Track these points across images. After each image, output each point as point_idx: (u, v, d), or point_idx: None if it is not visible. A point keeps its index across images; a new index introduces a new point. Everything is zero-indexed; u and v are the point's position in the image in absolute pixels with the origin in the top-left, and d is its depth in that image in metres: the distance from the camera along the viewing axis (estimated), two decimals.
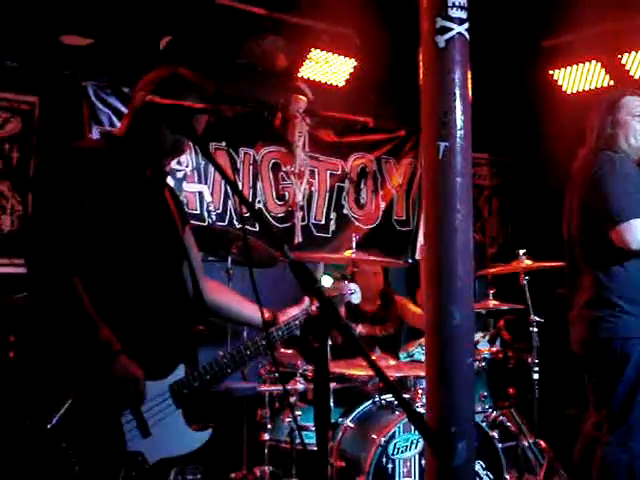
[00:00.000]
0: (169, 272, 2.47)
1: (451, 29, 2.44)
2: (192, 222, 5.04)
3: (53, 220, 2.19)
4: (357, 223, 5.89)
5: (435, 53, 2.46)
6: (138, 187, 2.40)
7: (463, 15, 2.46)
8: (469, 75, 2.47)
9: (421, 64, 2.51)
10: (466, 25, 2.46)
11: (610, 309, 3.37)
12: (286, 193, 5.51)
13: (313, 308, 2.52)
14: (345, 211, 5.85)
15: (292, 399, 3.99)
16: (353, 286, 2.72)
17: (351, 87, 5.76)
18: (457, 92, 2.44)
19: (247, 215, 5.28)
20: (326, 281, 2.73)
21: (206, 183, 5.19)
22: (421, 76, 2.51)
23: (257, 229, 5.30)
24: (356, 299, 2.72)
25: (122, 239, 2.32)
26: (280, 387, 4.02)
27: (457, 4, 2.45)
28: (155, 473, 2.33)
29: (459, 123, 2.43)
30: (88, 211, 2.22)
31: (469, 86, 2.47)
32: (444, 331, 2.37)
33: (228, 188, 5.26)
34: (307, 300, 2.65)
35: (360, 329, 4.81)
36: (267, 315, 2.62)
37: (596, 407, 3.50)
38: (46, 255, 2.16)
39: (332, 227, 5.76)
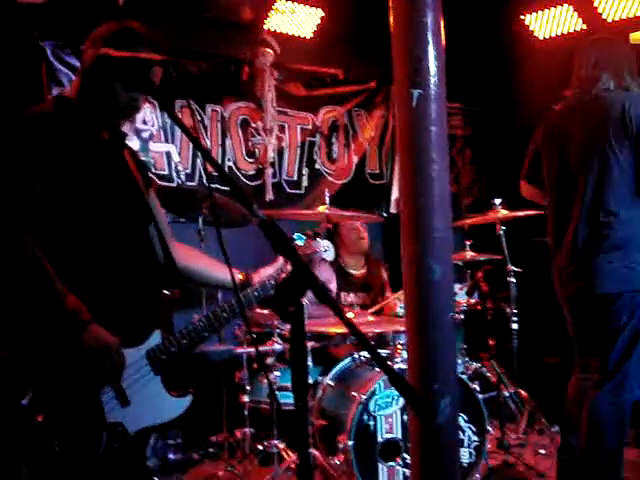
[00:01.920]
0: (136, 236, 2.37)
1: None
2: (160, 183, 4.98)
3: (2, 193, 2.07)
4: (330, 178, 5.78)
5: None
6: (95, 150, 2.27)
7: None
8: (441, 19, 2.37)
9: (391, 9, 2.40)
10: None
11: (626, 258, 3.24)
12: (256, 150, 5.38)
13: (288, 267, 2.44)
14: (317, 166, 5.74)
15: (270, 360, 3.94)
16: (326, 243, 2.63)
17: (319, 38, 5.61)
18: (430, 37, 2.34)
19: (215, 174, 5.18)
20: (299, 239, 2.62)
21: (173, 142, 5.04)
22: (392, 22, 2.40)
23: (227, 188, 5.19)
24: (329, 256, 2.64)
25: (84, 206, 2.20)
26: (261, 348, 3.96)
27: None
28: (137, 443, 2.27)
29: (433, 69, 2.33)
30: (44, 184, 2.09)
31: (442, 30, 2.37)
32: (423, 286, 2.30)
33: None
34: (282, 259, 2.56)
35: (352, 299, 4.73)
36: (240, 276, 2.54)
37: (586, 357, 3.44)
38: None
39: (304, 183, 5.65)
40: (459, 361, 4.17)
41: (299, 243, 2.63)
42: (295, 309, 1.51)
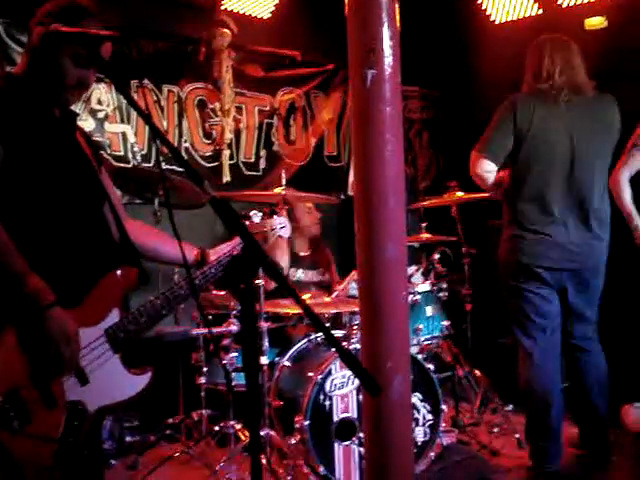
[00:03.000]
0: (90, 214, 2.35)
1: None
2: (116, 164, 4.93)
3: None
4: (288, 160, 5.78)
5: None
6: (47, 127, 2.24)
7: None
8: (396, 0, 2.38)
9: None
10: None
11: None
12: (213, 131, 5.35)
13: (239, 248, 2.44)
14: (275, 148, 5.73)
15: (227, 341, 3.94)
16: (282, 220, 2.63)
17: (277, 20, 5.59)
18: (384, 17, 2.35)
19: (169, 155, 5.13)
20: (255, 216, 2.62)
21: (129, 123, 4.98)
22: (346, 1, 2.40)
23: (183, 169, 5.15)
24: (286, 233, 2.64)
25: (37, 183, 2.18)
26: (214, 329, 3.95)
27: None
28: (97, 421, 2.26)
29: (387, 50, 2.34)
30: None
31: (396, 11, 2.38)
32: (377, 264, 2.32)
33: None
34: (239, 237, 2.56)
35: (300, 275, 4.75)
36: (195, 253, 2.53)
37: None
38: None
39: (262, 165, 5.63)
40: (414, 341, 4.22)
41: (255, 220, 2.62)
42: (246, 287, 1.51)
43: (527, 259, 3.68)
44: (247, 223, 2.63)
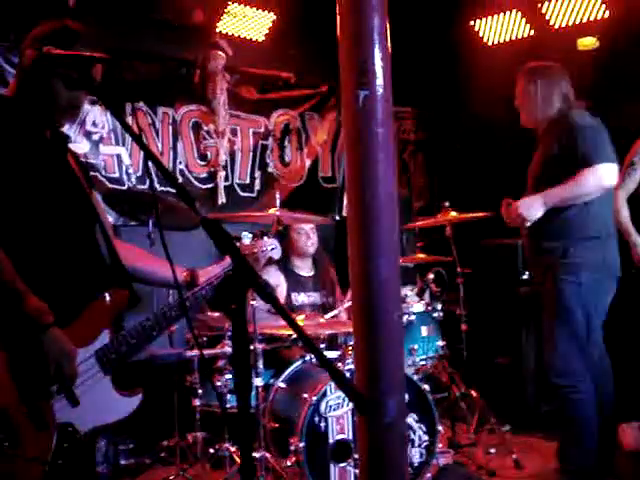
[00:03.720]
0: (81, 237, 2.35)
1: None
2: (111, 186, 4.93)
3: None
4: (282, 182, 5.79)
5: None
6: (38, 150, 2.25)
7: None
8: (387, 21, 2.39)
9: (338, 9, 2.42)
10: None
11: None
12: (208, 153, 5.36)
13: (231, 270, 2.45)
14: (270, 169, 5.74)
15: (221, 362, 3.92)
16: (273, 241, 2.64)
17: (271, 42, 5.63)
18: (376, 38, 2.35)
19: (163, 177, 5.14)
20: (245, 238, 2.62)
21: (124, 145, 4.99)
22: (338, 23, 2.41)
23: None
24: (276, 255, 2.65)
25: (28, 205, 2.18)
26: (209, 351, 3.94)
27: None
28: (88, 443, 2.25)
29: (379, 70, 2.35)
30: None
31: (388, 32, 2.39)
32: (370, 285, 2.31)
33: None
34: (229, 258, 2.55)
35: (302, 298, 4.73)
36: (184, 274, 2.53)
37: None
38: None
39: (257, 186, 5.64)
40: (410, 362, 4.20)
41: (246, 242, 2.62)
42: (237, 308, 1.51)
43: None
44: (238, 245, 2.63)
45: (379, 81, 2.35)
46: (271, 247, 2.65)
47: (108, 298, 2.29)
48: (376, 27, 2.36)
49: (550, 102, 3.76)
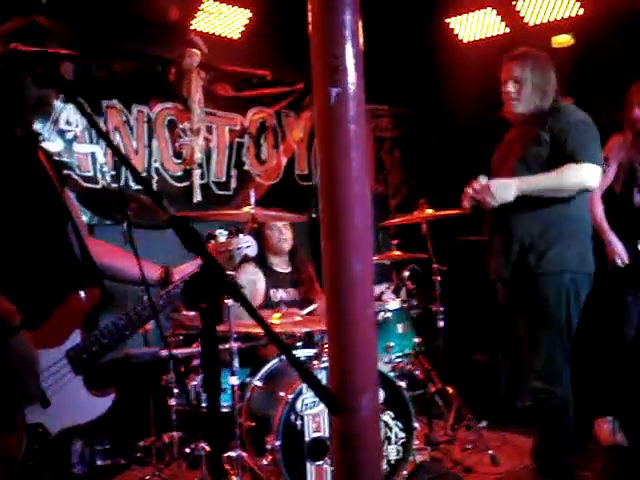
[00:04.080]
0: (53, 236, 2.33)
1: None
2: (85, 185, 4.89)
3: None
4: (259, 179, 5.77)
5: None
6: (8, 147, 2.23)
7: None
8: (359, 18, 2.38)
9: (309, 6, 2.41)
10: None
11: None
12: (183, 151, 5.33)
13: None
14: (246, 167, 5.72)
15: (197, 362, 3.90)
16: (248, 239, 2.62)
17: (247, 39, 5.61)
18: (348, 35, 2.35)
19: (142, 175, 5.11)
20: (220, 235, 2.61)
21: (98, 143, 4.94)
22: (310, 20, 2.41)
23: (154, 189, 5.14)
24: (252, 252, 2.63)
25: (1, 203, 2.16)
26: (184, 350, 3.92)
27: None
28: (59, 444, 2.23)
29: (351, 68, 2.34)
30: None
31: (360, 29, 2.38)
32: (343, 282, 2.31)
33: (121, 147, 5.05)
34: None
35: (281, 294, 4.72)
36: (159, 272, 2.50)
37: None
38: None
39: (233, 184, 5.62)
40: (386, 359, 4.21)
41: (221, 239, 2.61)
42: (206, 307, 1.49)
43: None
44: (213, 242, 2.62)
45: (351, 78, 2.35)
46: (246, 244, 2.64)
47: (80, 297, 2.27)
48: (348, 24, 2.35)
49: (546, 92, 3.60)
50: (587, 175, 3.45)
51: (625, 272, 4.32)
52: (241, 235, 2.64)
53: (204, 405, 3.95)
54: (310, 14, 2.41)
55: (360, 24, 2.39)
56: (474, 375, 5.43)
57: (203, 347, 1.53)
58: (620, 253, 4.30)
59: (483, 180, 3.52)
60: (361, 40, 2.38)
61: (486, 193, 3.48)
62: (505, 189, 3.46)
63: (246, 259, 2.71)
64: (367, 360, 2.35)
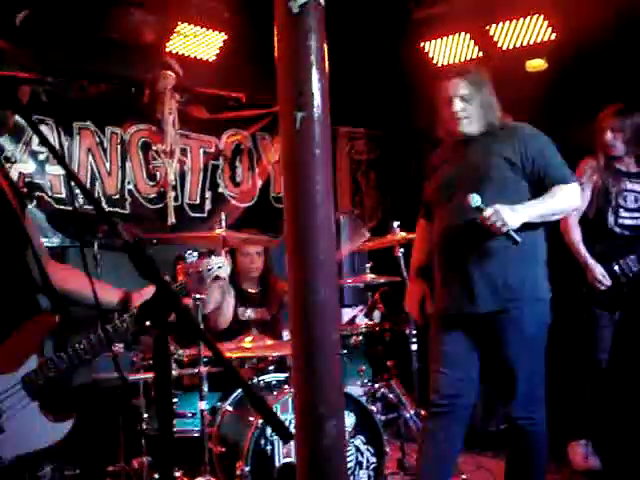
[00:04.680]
0: (11, 261, 2.30)
1: None
2: (57, 207, 4.85)
3: None
4: (234, 202, 5.77)
5: (289, 19, 2.37)
6: None
7: None
8: (325, 43, 2.39)
9: (275, 31, 2.41)
10: None
11: None
12: (157, 173, 5.32)
13: (183, 282, 2.42)
14: (221, 190, 5.71)
15: None
16: (220, 259, 2.61)
17: (223, 62, 5.61)
18: (313, 60, 2.35)
19: (115, 197, 5.09)
20: (192, 256, 2.60)
21: (71, 165, 4.92)
22: (276, 44, 2.41)
23: (128, 211, 5.12)
24: (224, 273, 2.62)
25: None
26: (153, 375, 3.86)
27: None
28: (14, 472, 2.18)
29: (316, 92, 2.35)
30: None
31: (325, 54, 2.39)
32: (307, 307, 2.29)
33: (94, 169, 5.03)
34: (181, 277, 2.53)
35: (249, 313, 4.69)
36: (120, 296, 2.48)
37: None
38: None
39: (207, 207, 5.61)
40: (358, 383, 4.18)
41: (192, 260, 2.60)
42: (159, 334, 1.47)
43: None
44: (182, 264, 2.61)
45: (316, 102, 2.35)
46: (217, 265, 2.63)
47: (37, 322, 2.24)
48: (313, 49, 2.36)
49: (493, 108, 3.40)
50: (576, 195, 3.34)
51: (599, 295, 4.33)
52: (213, 256, 2.64)
53: (175, 430, 3.90)
54: (276, 39, 2.41)
55: (326, 49, 2.39)
56: None
57: (155, 373, 1.51)
58: (601, 276, 4.29)
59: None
60: (327, 65, 2.39)
61: (497, 218, 3.14)
62: (516, 215, 3.16)
63: (217, 279, 2.70)
64: (332, 386, 2.33)
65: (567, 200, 3.32)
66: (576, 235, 4.35)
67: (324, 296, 2.30)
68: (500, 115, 3.42)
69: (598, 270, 4.29)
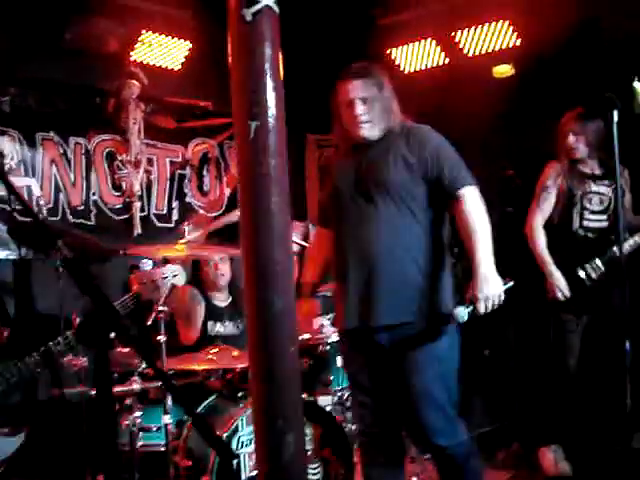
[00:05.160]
0: None
1: (258, 1, 2.30)
2: (21, 218, 4.77)
3: None
4: (201, 211, 5.72)
5: (242, 27, 2.32)
6: None
7: None
8: (279, 51, 2.36)
9: (229, 40, 2.38)
10: None
11: None
12: (123, 183, 5.26)
13: (137, 291, 2.39)
14: (188, 199, 5.67)
15: (129, 400, 3.79)
16: (175, 268, 2.58)
17: (189, 70, 5.56)
18: (267, 68, 2.31)
19: (80, 208, 5.03)
20: (145, 265, 2.56)
21: (34, 176, 4.86)
22: (229, 52, 2.37)
23: (93, 222, 5.06)
24: (180, 281, 2.59)
25: None
26: (117, 388, 3.80)
27: None
28: None
29: (271, 101, 2.31)
30: None
31: (280, 62, 2.35)
32: (264, 319, 2.24)
33: (59, 180, 4.97)
34: (135, 287, 2.49)
35: (218, 329, 4.64)
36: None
37: None
38: None
39: (175, 217, 5.55)
40: (327, 392, 4.15)
41: (147, 269, 2.56)
42: (99, 350, 1.43)
43: None
44: (136, 273, 2.57)
45: (271, 112, 2.31)
46: (173, 274, 2.59)
47: None
48: (267, 57, 2.32)
49: (393, 110, 3.22)
50: (479, 198, 3.08)
51: (565, 301, 4.32)
52: (168, 264, 2.60)
53: (140, 444, 3.84)
54: (230, 47, 2.38)
55: (281, 57, 2.36)
56: None
57: (96, 389, 1.47)
58: (562, 287, 4.28)
59: (463, 314, 2.88)
60: (281, 73, 2.35)
61: (490, 304, 2.91)
62: (493, 281, 2.93)
63: (174, 288, 2.66)
64: (290, 401, 2.29)
65: (481, 212, 3.06)
66: (540, 241, 4.34)
67: (281, 308, 2.26)
68: (400, 118, 3.24)
69: (561, 282, 4.28)
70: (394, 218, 3.10)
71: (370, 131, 3.18)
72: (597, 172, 4.45)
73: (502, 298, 2.93)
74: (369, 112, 3.15)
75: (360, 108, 3.15)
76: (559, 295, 4.27)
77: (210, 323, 4.60)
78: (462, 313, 2.88)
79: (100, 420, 1.49)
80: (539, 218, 4.37)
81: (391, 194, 3.09)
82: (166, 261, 2.61)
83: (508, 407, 4.77)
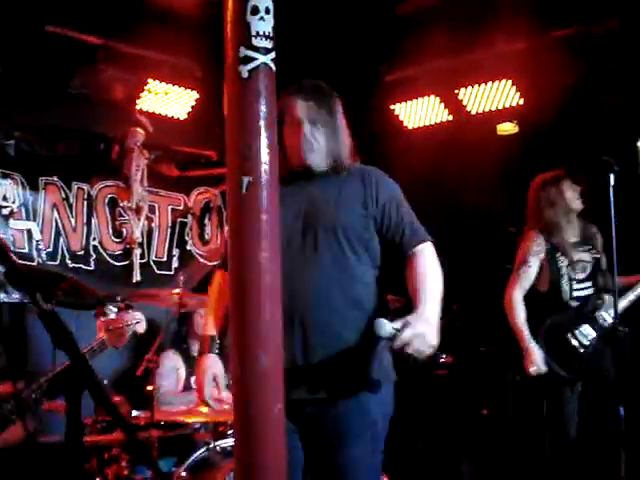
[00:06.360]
0: None
1: (255, 59, 2.33)
2: (20, 262, 4.78)
3: None
4: (201, 260, 5.72)
5: (239, 84, 2.35)
6: None
7: (268, 45, 2.37)
8: (275, 107, 2.38)
9: (225, 95, 2.40)
10: (272, 55, 2.37)
11: None
12: (124, 230, 5.28)
13: (104, 337, 2.38)
14: (189, 247, 5.68)
15: (116, 450, 3.75)
16: (138, 315, 2.58)
17: (194, 120, 5.62)
18: (262, 124, 2.33)
19: (79, 253, 5.04)
20: (110, 312, 2.56)
21: (35, 220, 4.90)
22: (225, 107, 2.40)
23: (92, 267, 5.06)
24: (141, 328, 2.59)
25: None
26: (104, 438, 3.76)
27: (262, 33, 2.35)
28: None
29: (264, 157, 2.32)
30: None
31: (274, 118, 2.37)
32: (249, 377, 2.22)
33: (59, 224, 4.99)
34: (102, 333, 2.49)
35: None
36: None
37: None
38: None
39: (175, 264, 5.56)
40: None
41: (111, 316, 2.57)
42: (71, 405, 1.41)
43: None
44: (103, 319, 2.58)
45: (264, 167, 2.32)
46: (135, 321, 2.60)
47: None
48: (262, 114, 2.34)
49: (344, 141, 2.89)
50: (434, 256, 2.71)
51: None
52: (131, 311, 2.61)
53: None
54: (226, 102, 2.40)
55: (274, 114, 2.38)
56: (416, 464, 5.29)
57: (67, 443, 1.45)
58: (538, 362, 4.13)
59: (387, 328, 2.45)
60: (275, 129, 2.37)
61: (420, 343, 2.45)
62: (433, 326, 2.52)
63: (137, 335, 2.65)
64: (273, 457, 2.26)
65: (437, 270, 2.67)
66: (520, 317, 4.19)
67: (268, 365, 2.24)
68: (351, 154, 2.91)
69: (537, 357, 4.12)
70: (338, 263, 2.70)
71: (315, 158, 2.77)
72: (577, 239, 4.39)
73: (426, 354, 2.49)
74: (317, 138, 2.78)
75: (307, 130, 2.77)
76: (533, 370, 4.12)
77: (193, 378, 4.50)
78: (386, 327, 2.45)
79: (69, 470, 1.47)
80: (519, 293, 4.24)
81: (339, 238, 2.70)
82: (129, 307, 2.61)
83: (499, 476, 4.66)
